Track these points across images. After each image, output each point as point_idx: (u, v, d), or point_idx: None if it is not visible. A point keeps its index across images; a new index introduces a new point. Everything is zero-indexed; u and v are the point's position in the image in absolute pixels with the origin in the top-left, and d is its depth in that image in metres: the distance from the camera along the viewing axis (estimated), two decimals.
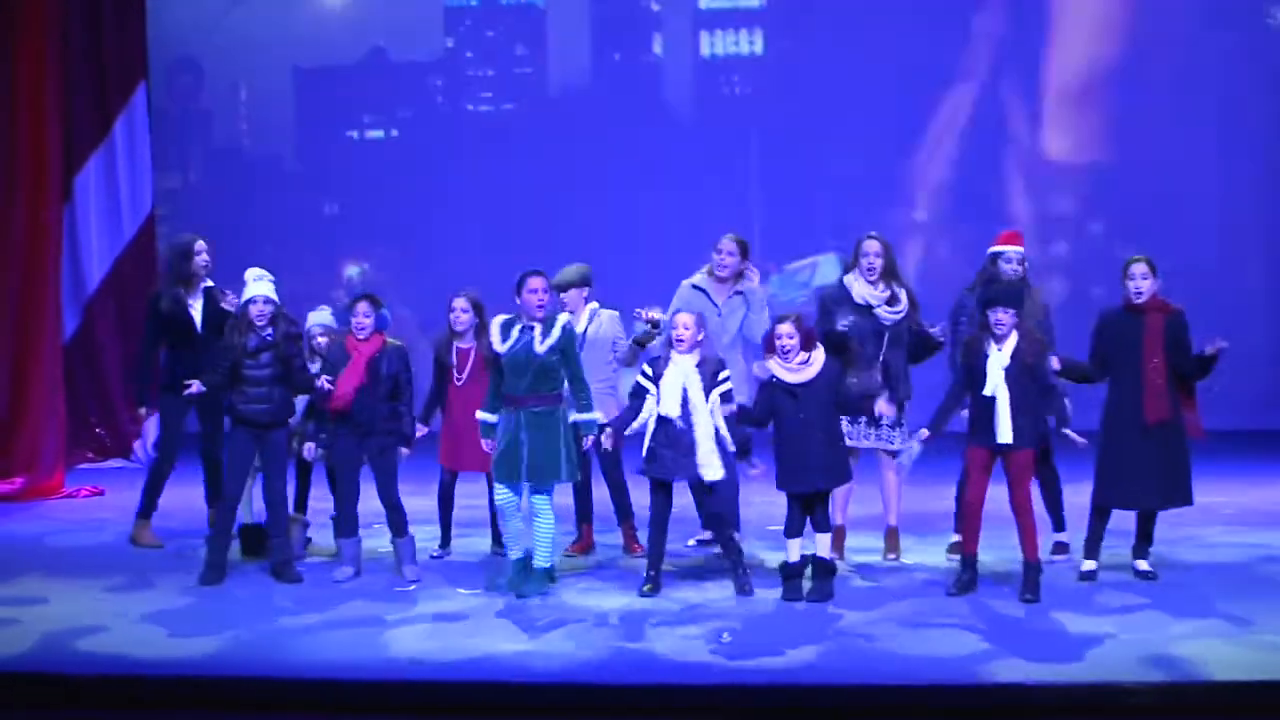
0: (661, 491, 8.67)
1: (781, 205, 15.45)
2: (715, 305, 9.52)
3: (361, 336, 9.05)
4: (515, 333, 8.67)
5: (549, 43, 16.05)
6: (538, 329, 8.65)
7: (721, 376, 8.63)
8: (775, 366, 8.49)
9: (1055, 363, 8.70)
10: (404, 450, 9.08)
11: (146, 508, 10.12)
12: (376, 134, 16.30)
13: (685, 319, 8.64)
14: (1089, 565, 8.83)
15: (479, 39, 16.10)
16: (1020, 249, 9.44)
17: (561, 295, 9.49)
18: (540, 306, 8.67)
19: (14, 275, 12.47)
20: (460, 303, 9.48)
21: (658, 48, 15.97)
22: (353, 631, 7.91)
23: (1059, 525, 9.47)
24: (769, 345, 8.58)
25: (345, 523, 9.14)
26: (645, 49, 15.96)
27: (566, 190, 15.58)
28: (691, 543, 9.79)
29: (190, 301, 9.95)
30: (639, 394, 8.65)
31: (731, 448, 8.63)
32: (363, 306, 9.08)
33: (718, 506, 8.71)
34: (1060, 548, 9.40)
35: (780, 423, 8.54)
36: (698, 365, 8.59)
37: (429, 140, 16.00)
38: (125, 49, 14.05)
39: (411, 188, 15.95)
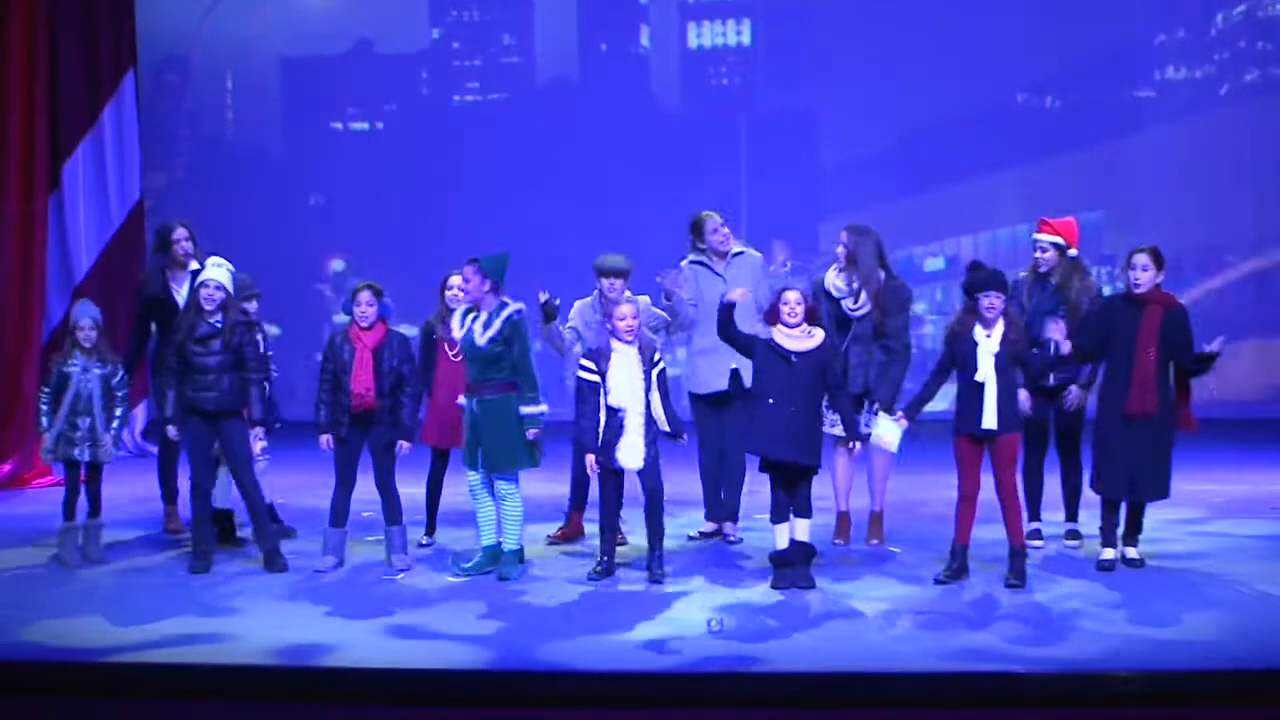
0: (614, 480, 8.74)
1: (769, 196, 15.44)
2: (719, 275, 9.53)
3: (364, 325, 9.02)
4: (467, 321, 8.78)
5: (536, 33, 16.04)
6: (481, 319, 8.72)
7: (656, 359, 8.69)
8: (778, 333, 8.53)
9: (1063, 342, 8.75)
10: (404, 445, 9.00)
11: (168, 494, 10.10)
12: (362, 125, 16.27)
13: (627, 310, 8.68)
14: (1107, 554, 8.82)
15: (465, 29, 16.08)
16: (1049, 236, 9.34)
17: (601, 280, 9.47)
18: (454, 300, 8.92)
19: (5, 262, 12.46)
20: (457, 279, 9.43)
21: (645, 39, 15.97)
22: (337, 620, 7.90)
23: (1071, 515, 9.53)
24: (771, 313, 8.61)
25: (335, 512, 9.12)
26: (633, 40, 15.95)
27: (553, 180, 15.57)
28: (693, 534, 9.77)
29: (175, 286, 9.89)
30: (592, 390, 8.66)
31: (665, 428, 8.69)
32: (365, 296, 9.02)
33: (653, 486, 8.74)
34: (1072, 535, 9.48)
35: (764, 387, 8.57)
36: (638, 352, 8.67)
37: (415, 131, 15.98)
38: (114, 37, 14.02)
39: (397, 179, 15.93)
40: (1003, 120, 15.45)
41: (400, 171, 15.93)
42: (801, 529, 8.57)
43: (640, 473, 8.69)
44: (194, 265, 9.84)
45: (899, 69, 15.21)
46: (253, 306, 9.62)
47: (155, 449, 13.48)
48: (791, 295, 8.55)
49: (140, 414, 14.04)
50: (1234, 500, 10.83)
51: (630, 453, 8.63)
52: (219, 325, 8.98)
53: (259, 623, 7.84)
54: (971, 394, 8.45)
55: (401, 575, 8.89)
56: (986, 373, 8.39)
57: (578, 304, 9.67)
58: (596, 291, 9.52)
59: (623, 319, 8.65)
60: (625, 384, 8.60)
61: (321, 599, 8.33)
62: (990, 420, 8.40)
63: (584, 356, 8.80)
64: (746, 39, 15.82)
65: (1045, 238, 9.37)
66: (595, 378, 8.64)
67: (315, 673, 7.10)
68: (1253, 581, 8.46)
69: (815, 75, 15.55)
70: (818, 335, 8.57)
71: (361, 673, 7.07)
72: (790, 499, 8.56)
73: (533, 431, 8.71)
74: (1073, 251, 9.39)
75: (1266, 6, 15.28)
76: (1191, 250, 15.07)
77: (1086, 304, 9.16)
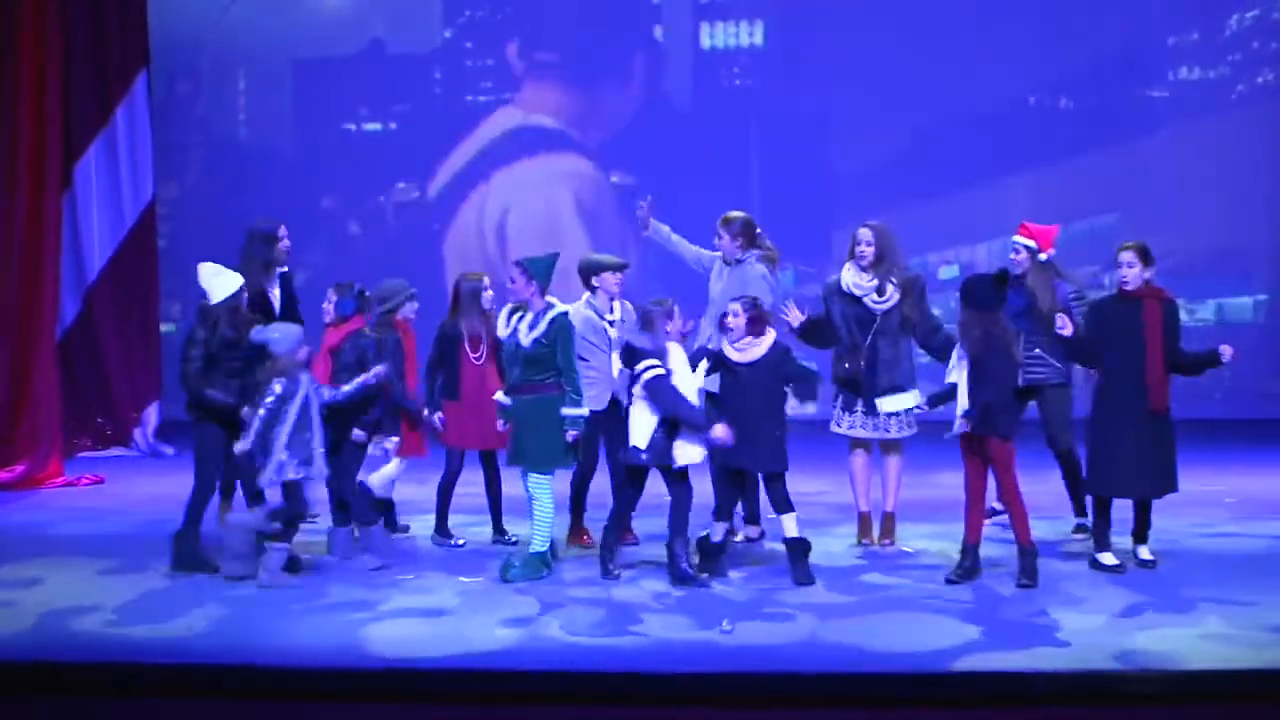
0: (639, 479, 8.82)
1: (782, 197, 15.41)
2: (719, 277, 9.57)
3: (327, 322, 9.20)
4: (513, 321, 8.77)
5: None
6: (526, 319, 8.70)
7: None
8: (725, 346, 8.65)
9: (1065, 327, 8.75)
10: (357, 434, 9.04)
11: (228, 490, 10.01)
12: (374, 126, 16.27)
13: (678, 320, 8.71)
14: (1108, 560, 8.75)
15: (477, 29, 16.07)
16: (1021, 239, 9.60)
17: (611, 275, 9.48)
18: (514, 297, 8.85)
19: (15, 262, 12.48)
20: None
21: (658, 38, 15.94)
22: (346, 619, 7.90)
23: (1079, 510, 9.62)
24: (721, 324, 8.77)
25: (335, 510, 9.20)
26: (646, 39, 15.93)
27: (566, 182, 15.56)
28: (739, 537, 9.68)
29: (269, 286, 9.89)
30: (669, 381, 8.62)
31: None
32: (330, 292, 9.16)
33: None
34: (1080, 529, 9.57)
35: (722, 399, 8.69)
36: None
37: (427, 132, 15.98)
38: (126, 37, 14.05)
39: (410, 179, 15.94)
40: (1015, 123, 15.42)
41: (413, 172, 15.94)
42: (789, 525, 8.61)
43: (684, 471, 8.65)
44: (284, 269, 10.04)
45: (911, 72, 15.18)
46: (413, 308, 9.66)
47: (170, 450, 13.62)
48: (734, 306, 8.64)
49: (152, 415, 14.07)
50: (1246, 500, 10.80)
51: (689, 450, 8.57)
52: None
53: (274, 618, 7.87)
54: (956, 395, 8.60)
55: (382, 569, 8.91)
56: (957, 375, 8.49)
57: (571, 312, 9.27)
58: (594, 296, 9.51)
59: (671, 319, 8.64)
60: (685, 380, 8.58)
61: (336, 597, 8.35)
62: (957, 423, 8.47)
63: (649, 355, 8.60)
64: (759, 40, 15.81)
65: (1019, 240, 9.62)
66: (663, 370, 8.59)
67: (306, 672, 7.12)
68: (1263, 581, 8.43)
69: (828, 77, 15.52)
70: (765, 340, 8.58)
71: (355, 672, 7.10)
72: (735, 499, 8.74)
73: (573, 433, 8.71)
74: (1043, 255, 9.54)
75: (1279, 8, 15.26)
76: (1206, 252, 15.03)
77: (1048, 306, 9.26)
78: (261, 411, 8.57)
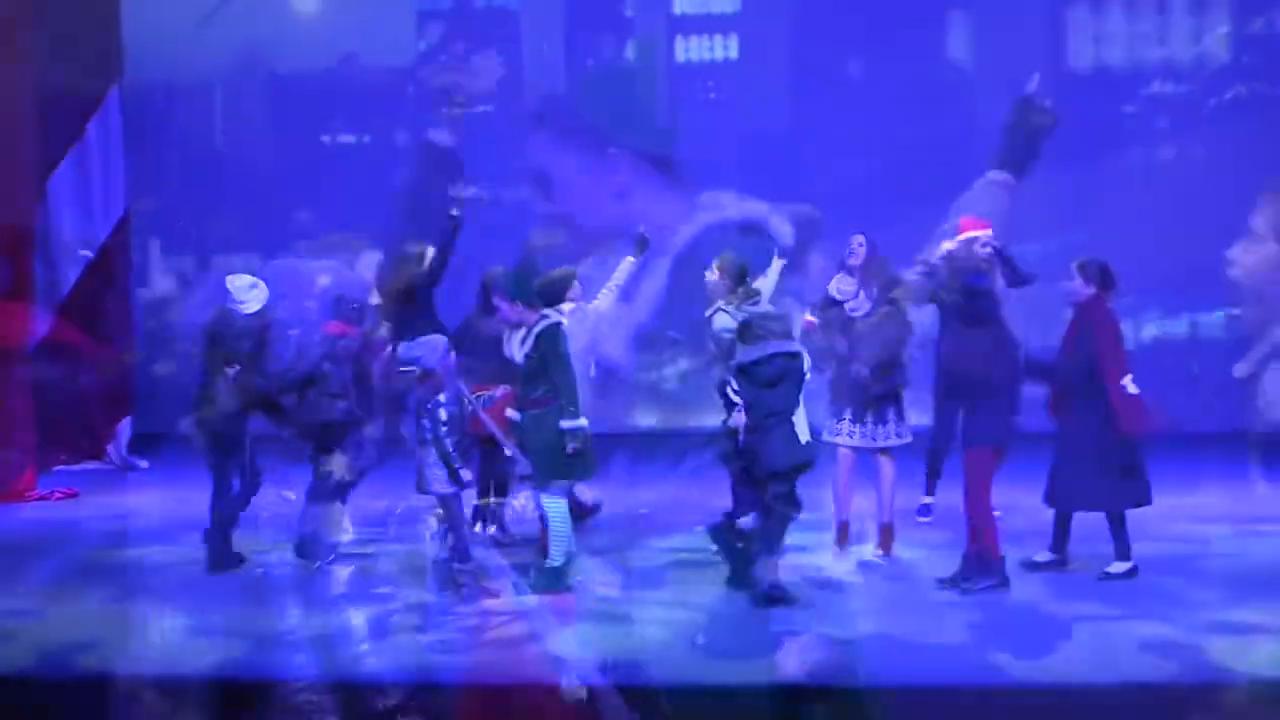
0: None
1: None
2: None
3: None
4: (512, 338, 8.85)
5: (524, 46, 16.04)
6: (519, 334, 8.67)
7: None
8: None
9: None
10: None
11: None
12: (349, 138, 16.25)
13: None
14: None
15: (452, 43, 16.07)
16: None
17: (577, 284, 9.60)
18: (504, 321, 8.84)
19: None
20: None
21: (631, 52, 15.96)
22: (339, 630, 7.90)
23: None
24: None
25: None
26: (619, 53, 15.95)
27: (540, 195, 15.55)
28: None
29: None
30: None
31: None
32: None
33: None
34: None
35: None
36: None
37: (402, 145, 15.96)
38: (99, 51, 14.03)
39: (385, 193, 15.91)
40: (989, 139, 15.43)
41: (388, 185, 15.91)
42: None
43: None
44: None
45: (884, 87, 15.22)
46: None
47: (144, 463, 13.60)
48: None
49: (126, 428, 14.03)
50: (1223, 512, 10.85)
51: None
52: None
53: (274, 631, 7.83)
54: None
55: None
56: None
57: (568, 322, 9.30)
58: (574, 305, 9.53)
59: None
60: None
61: (332, 613, 8.33)
62: None
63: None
64: (733, 53, 15.83)
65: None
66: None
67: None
68: (1241, 591, 8.48)
69: (801, 89, 15.55)
70: None
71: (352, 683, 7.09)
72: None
73: (571, 445, 8.63)
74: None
75: (1252, 22, 15.32)
76: (1177, 266, 15.05)
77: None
78: (432, 423, 8.70)
